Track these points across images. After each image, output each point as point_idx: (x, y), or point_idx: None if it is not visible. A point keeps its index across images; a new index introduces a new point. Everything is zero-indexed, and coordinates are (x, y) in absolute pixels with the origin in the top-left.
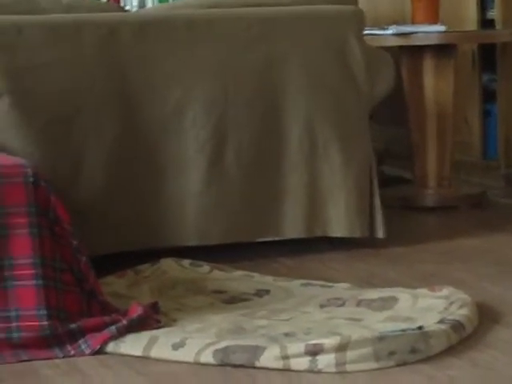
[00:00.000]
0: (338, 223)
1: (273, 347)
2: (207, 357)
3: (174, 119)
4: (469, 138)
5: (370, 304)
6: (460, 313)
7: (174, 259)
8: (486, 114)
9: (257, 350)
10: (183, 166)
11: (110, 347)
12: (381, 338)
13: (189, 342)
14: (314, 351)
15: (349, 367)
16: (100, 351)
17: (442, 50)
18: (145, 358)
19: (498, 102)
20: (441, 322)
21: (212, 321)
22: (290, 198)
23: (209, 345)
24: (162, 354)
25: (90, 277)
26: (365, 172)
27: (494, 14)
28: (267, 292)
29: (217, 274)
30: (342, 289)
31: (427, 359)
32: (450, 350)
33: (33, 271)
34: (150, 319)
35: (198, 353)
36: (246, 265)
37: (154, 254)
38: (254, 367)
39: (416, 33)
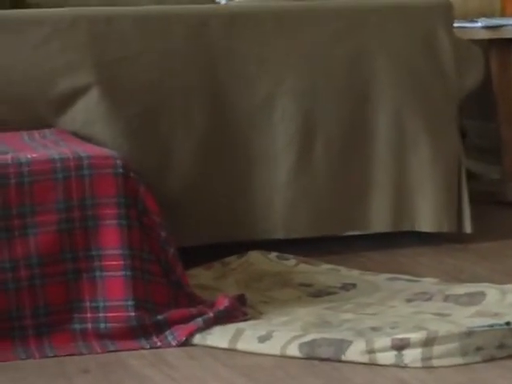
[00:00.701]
0: (426, 218)
1: (359, 341)
2: (293, 350)
3: (263, 112)
4: None
5: (457, 299)
6: None
7: (261, 252)
8: None
9: (343, 344)
10: (271, 158)
11: (197, 339)
12: (468, 334)
13: (275, 334)
14: (400, 346)
15: (435, 362)
16: (186, 343)
17: None
18: (231, 351)
19: None
20: None
21: (298, 314)
22: (378, 191)
23: (295, 338)
24: (248, 346)
25: (177, 268)
26: (453, 166)
27: None
28: (353, 286)
29: (303, 267)
30: (429, 283)
31: None
32: None
33: (121, 262)
34: (237, 311)
35: (284, 346)
36: (333, 258)
37: (241, 247)
38: (340, 361)
39: (506, 26)
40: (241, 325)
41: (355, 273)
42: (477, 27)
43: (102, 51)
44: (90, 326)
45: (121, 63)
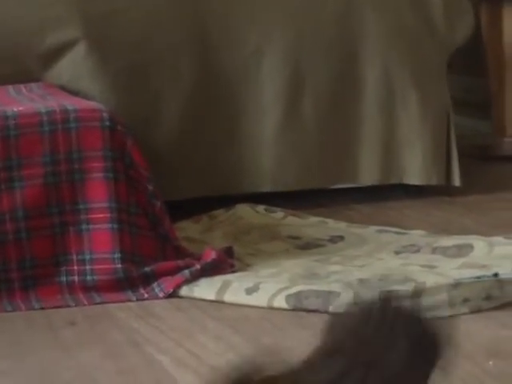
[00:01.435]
0: (414, 171)
1: (346, 293)
2: (280, 301)
3: (250, 67)
4: None
5: (445, 251)
6: None
7: (249, 205)
8: None
9: (330, 296)
10: (259, 113)
11: (184, 291)
12: (455, 285)
13: (262, 286)
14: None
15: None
16: (173, 295)
17: None
18: (218, 302)
19: None
20: None
21: (285, 266)
22: (366, 144)
23: (282, 290)
24: (235, 298)
25: (164, 221)
26: (442, 120)
27: None
28: (341, 238)
29: (291, 219)
30: (417, 236)
31: (502, 306)
32: None
33: (108, 215)
34: (224, 264)
35: (271, 297)
36: (321, 211)
37: (229, 200)
38: (327, 312)
39: None
40: (228, 277)
41: (343, 225)
42: None
43: (89, 5)
44: (76, 278)
45: (109, 17)
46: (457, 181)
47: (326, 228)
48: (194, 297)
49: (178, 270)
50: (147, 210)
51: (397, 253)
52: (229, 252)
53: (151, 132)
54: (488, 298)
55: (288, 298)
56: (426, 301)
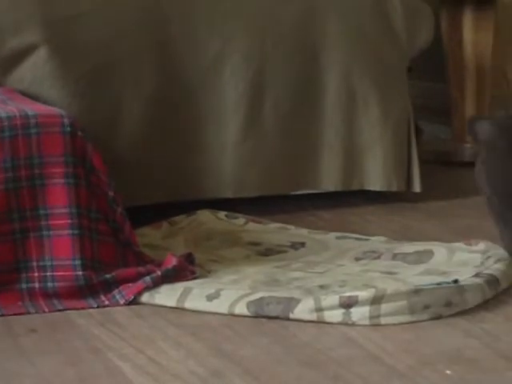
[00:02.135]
0: (375, 176)
1: (307, 299)
2: (241, 308)
3: (212, 72)
4: (507, 93)
5: (405, 257)
6: (496, 267)
7: (210, 211)
8: None
9: (291, 302)
10: (221, 117)
11: (145, 298)
12: (416, 292)
13: (223, 293)
14: (348, 303)
15: (383, 320)
16: (134, 302)
17: (482, 2)
18: (179, 309)
19: None
20: (476, 276)
21: (247, 272)
22: (328, 150)
23: (243, 296)
24: (196, 305)
25: (125, 227)
26: (403, 125)
27: None
28: (302, 244)
29: (252, 226)
30: (377, 242)
31: (462, 313)
32: (485, 305)
33: (68, 221)
34: (185, 270)
35: (232, 304)
36: (282, 217)
37: (190, 206)
38: (288, 319)
39: None
40: (189, 283)
41: (304, 231)
42: None
43: (51, 10)
44: (37, 285)
45: (70, 22)
46: (417, 187)
47: (287, 234)
48: (154, 304)
49: (138, 276)
50: (108, 216)
51: (357, 259)
52: (190, 258)
53: (112, 137)
54: (448, 304)
55: (249, 304)
56: (386, 307)
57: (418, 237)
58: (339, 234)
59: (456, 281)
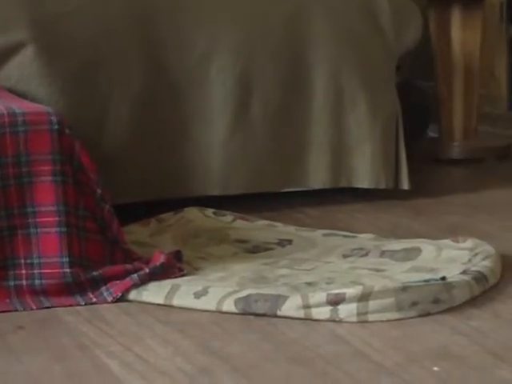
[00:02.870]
0: (364, 174)
1: (294, 296)
2: (229, 305)
3: (200, 68)
4: (495, 91)
5: (393, 255)
6: (483, 264)
7: (198, 208)
8: None
9: (278, 299)
10: (209, 115)
11: (132, 295)
12: (403, 289)
13: (211, 290)
14: (335, 301)
15: (370, 317)
16: (122, 299)
17: (470, 2)
18: (167, 307)
19: None
20: (464, 272)
21: (234, 270)
22: (316, 148)
23: (230, 293)
24: (183, 302)
25: (113, 225)
26: (391, 123)
27: None
28: (290, 242)
29: (240, 223)
30: (365, 239)
31: (449, 310)
32: (473, 301)
33: (56, 218)
34: (173, 267)
35: (220, 301)
36: (270, 215)
37: (178, 204)
38: (276, 316)
39: None
40: (177, 281)
41: (291, 229)
42: None
43: (38, 8)
44: (24, 282)
45: (57, 20)
46: (405, 184)
47: (274, 231)
48: (142, 301)
49: (126, 273)
50: (96, 214)
51: (345, 256)
52: (177, 256)
53: (100, 135)
54: (436, 301)
55: (237, 301)
56: (373, 304)
57: (405, 234)
58: (327, 232)
59: (444, 278)
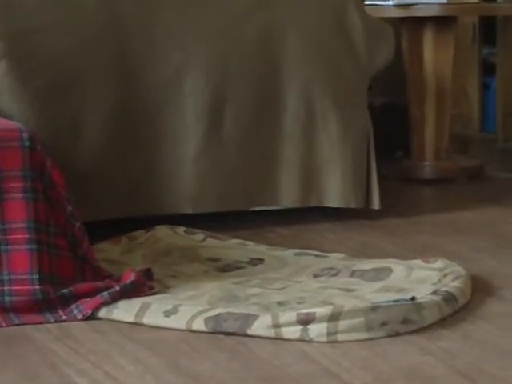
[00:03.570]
0: (334, 193)
1: (265, 316)
2: (199, 324)
3: (173, 84)
4: (467, 111)
5: (363, 274)
6: (453, 285)
7: (169, 226)
8: (485, 88)
9: (249, 318)
10: (181, 131)
11: (102, 313)
12: (373, 309)
13: (181, 309)
14: (305, 320)
15: (340, 337)
16: (92, 317)
17: (443, 22)
18: (137, 325)
19: (497, 76)
20: (434, 293)
21: (205, 288)
22: (287, 167)
23: (201, 312)
24: (154, 320)
25: (83, 242)
26: (362, 143)
27: None
28: (261, 261)
29: (211, 241)
30: (336, 259)
31: (419, 330)
32: (443, 322)
33: (26, 236)
34: (143, 286)
35: (190, 320)
36: (241, 233)
37: (149, 222)
38: (246, 335)
39: (417, 4)
40: (147, 299)
41: (263, 248)
42: (388, 5)
43: (10, 24)
44: None
45: (30, 36)
46: (376, 204)
47: (245, 250)
48: (112, 319)
49: (96, 291)
50: (66, 231)
51: (316, 276)
52: (148, 274)
53: (71, 151)
54: (405, 321)
55: (207, 320)
56: (343, 324)
57: (376, 254)
58: (298, 251)
59: (413, 298)
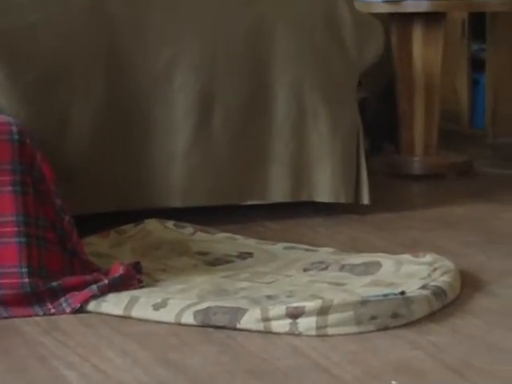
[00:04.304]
0: (324, 188)
1: (254, 309)
2: (188, 317)
3: (163, 80)
4: (456, 107)
5: (353, 269)
6: (442, 279)
7: (158, 220)
8: (474, 84)
9: (238, 312)
10: (170, 126)
11: (91, 306)
12: (362, 303)
13: (170, 302)
14: (295, 314)
15: (329, 331)
16: (81, 310)
17: (432, 18)
18: (125, 318)
19: (486, 72)
20: (423, 287)
21: (194, 282)
22: (277, 162)
23: (190, 306)
24: (142, 313)
25: (72, 236)
26: (352, 138)
27: None
28: (250, 254)
29: (200, 235)
30: (325, 253)
31: (408, 324)
32: (432, 316)
33: (15, 229)
34: (132, 279)
35: (179, 313)
36: (231, 228)
37: (138, 215)
38: (235, 329)
39: (406, 0)
40: (136, 292)
41: (252, 242)
42: (378, 1)
43: None
44: None
45: (18, 32)
46: (366, 199)
47: (235, 244)
48: (101, 312)
49: (85, 284)
50: (55, 225)
51: (305, 270)
52: (137, 267)
53: (60, 145)
54: (395, 316)
55: (196, 314)
56: (332, 318)
57: (365, 248)
58: (287, 245)
59: (403, 292)
